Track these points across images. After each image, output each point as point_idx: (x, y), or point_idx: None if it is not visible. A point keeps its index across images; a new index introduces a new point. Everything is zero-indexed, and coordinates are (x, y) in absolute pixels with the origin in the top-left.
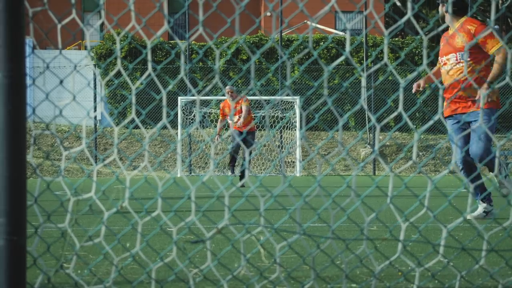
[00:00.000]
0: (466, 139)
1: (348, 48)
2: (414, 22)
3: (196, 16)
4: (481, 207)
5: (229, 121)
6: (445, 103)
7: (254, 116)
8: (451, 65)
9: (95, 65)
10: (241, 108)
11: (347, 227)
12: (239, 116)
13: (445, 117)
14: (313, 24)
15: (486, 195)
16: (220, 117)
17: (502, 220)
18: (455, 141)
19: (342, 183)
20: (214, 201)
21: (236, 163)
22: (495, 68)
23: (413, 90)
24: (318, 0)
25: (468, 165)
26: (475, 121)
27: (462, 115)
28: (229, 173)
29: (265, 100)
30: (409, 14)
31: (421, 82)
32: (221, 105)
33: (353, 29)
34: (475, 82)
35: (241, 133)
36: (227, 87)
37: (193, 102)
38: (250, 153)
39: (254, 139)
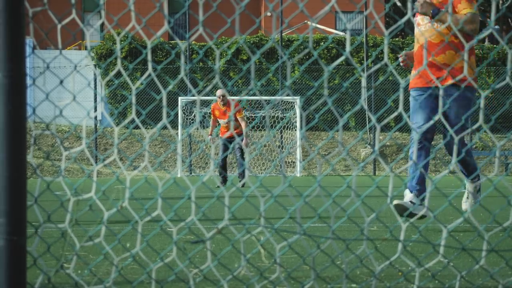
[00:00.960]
0: (429, 115)
1: (348, 48)
2: (415, 22)
3: (196, 16)
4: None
5: (221, 124)
6: (413, 71)
7: (255, 116)
8: (425, 25)
9: (95, 65)
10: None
11: (347, 227)
12: (227, 121)
13: (412, 89)
14: (313, 24)
15: (422, 189)
16: (212, 117)
17: (502, 220)
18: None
19: (342, 183)
20: (214, 201)
21: (228, 171)
22: (464, 18)
23: (401, 62)
24: (318, 0)
25: (427, 149)
26: (451, 96)
27: (436, 88)
28: (218, 183)
29: (266, 100)
30: (409, 14)
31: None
32: (212, 106)
33: (353, 29)
34: (453, 49)
35: (230, 141)
36: (220, 90)
37: (194, 102)
38: (242, 154)
39: (246, 145)
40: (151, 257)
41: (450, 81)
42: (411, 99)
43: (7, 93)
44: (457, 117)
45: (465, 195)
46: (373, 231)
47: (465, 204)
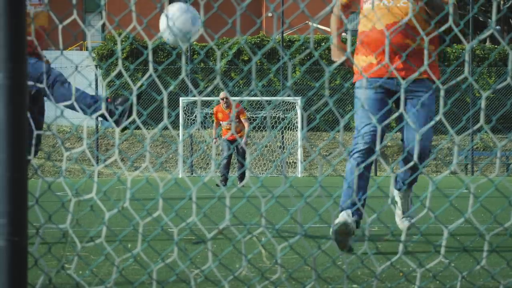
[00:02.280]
0: (385, 118)
1: (349, 48)
2: (416, 22)
3: (197, 17)
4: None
5: (223, 127)
6: (365, 57)
7: (256, 117)
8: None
9: (96, 66)
10: (236, 115)
11: None
12: (230, 122)
13: (370, 78)
14: (315, 25)
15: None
16: (215, 120)
17: (503, 221)
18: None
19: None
20: (215, 201)
21: (230, 172)
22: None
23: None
24: (319, 0)
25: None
26: (420, 93)
27: (396, 81)
28: (218, 182)
29: (267, 101)
30: (409, 14)
31: (342, 53)
32: (214, 109)
33: (354, 29)
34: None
35: (232, 142)
36: (223, 93)
37: (195, 102)
38: (244, 155)
39: (246, 144)
40: (152, 257)
41: (423, 75)
42: (364, 92)
43: (8, 94)
44: (427, 119)
45: (400, 211)
46: (374, 232)
47: (403, 222)
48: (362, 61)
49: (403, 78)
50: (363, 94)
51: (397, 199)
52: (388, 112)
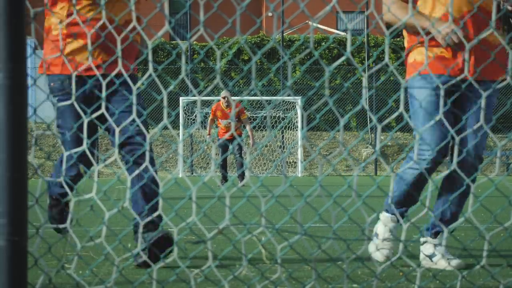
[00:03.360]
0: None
1: (349, 48)
2: (416, 22)
3: (197, 17)
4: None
5: (220, 125)
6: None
7: (256, 117)
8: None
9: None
10: (237, 115)
11: (348, 227)
12: (230, 121)
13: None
14: (315, 24)
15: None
16: (211, 116)
17: (503, 220)
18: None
19: (344, 183)
20: (215, 201)
21: (228, 172)
22: None
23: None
24: (319, 0)
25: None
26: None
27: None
28: (219, 182)
29: (267, 101)
30: (409, 14)
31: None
32: (213, 107)
33: (355, 29)
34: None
35: (229, 142)
36: (225, 92)
37: (195, 102)
38: (241, 153)
39: (242, 141)
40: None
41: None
42: (431, 93)
43: (8, 94)
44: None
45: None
46: None
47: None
48: (425, 54)
49: (475, 79)
50: (425, 94)
51: (427, 249)
52: (451, 116)
